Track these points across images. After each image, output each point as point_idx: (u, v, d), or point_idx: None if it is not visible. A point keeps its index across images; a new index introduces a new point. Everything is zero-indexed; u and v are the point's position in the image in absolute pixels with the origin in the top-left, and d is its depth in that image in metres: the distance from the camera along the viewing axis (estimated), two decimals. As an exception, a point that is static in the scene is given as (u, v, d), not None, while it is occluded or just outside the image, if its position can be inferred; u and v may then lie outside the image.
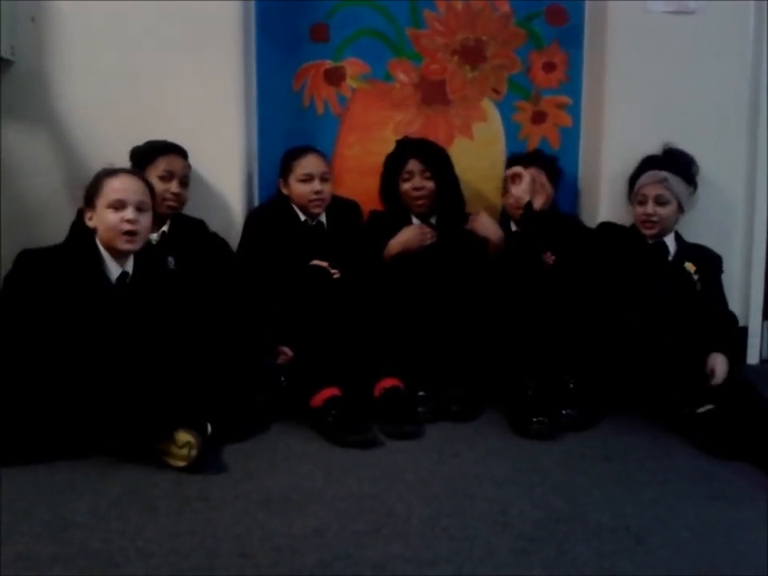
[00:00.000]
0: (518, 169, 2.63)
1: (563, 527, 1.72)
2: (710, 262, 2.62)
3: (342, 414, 2.23)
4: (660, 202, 2.54)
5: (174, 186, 2.53)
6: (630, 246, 2.60)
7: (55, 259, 2.13)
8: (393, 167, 2.82)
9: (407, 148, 2.82)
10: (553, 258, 2.63)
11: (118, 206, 2.13)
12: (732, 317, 2.58)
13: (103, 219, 2.13)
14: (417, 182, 2.76)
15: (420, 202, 2.77)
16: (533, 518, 1.76)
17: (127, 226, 2.13)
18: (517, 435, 2.28)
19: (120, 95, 2.75)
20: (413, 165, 2.77)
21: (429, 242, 2.73)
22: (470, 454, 2.15)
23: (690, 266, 2.54)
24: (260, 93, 2.97)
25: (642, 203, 2.57)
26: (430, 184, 2.76)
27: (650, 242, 2.60)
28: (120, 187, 2.15)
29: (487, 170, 3.07)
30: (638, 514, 1.79)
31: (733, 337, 2.52)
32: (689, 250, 2.63)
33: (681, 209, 2.58)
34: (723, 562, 1.59)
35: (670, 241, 2.62)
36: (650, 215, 2.55)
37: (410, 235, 2.74)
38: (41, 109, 2.77)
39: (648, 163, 2.64)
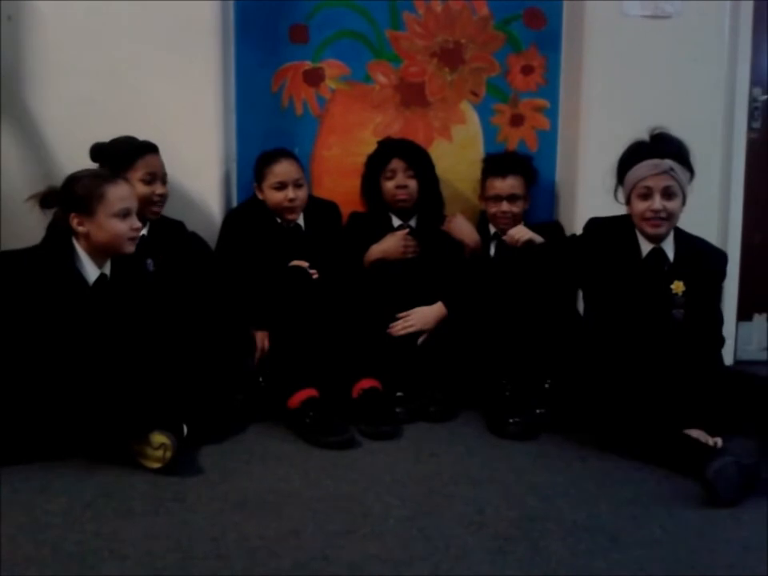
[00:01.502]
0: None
1: (539, 526, 1.73)
2: (710, 265, 2.35)
3: (320, 414, 2.23)
4: (668, 194, 2.21)
5: (159, 188, 2.50)
6: (620, 257, 2.31)
7: (32, 261, 2.11)
8: (375, 166, 2.82)
9: (390, 148, 2.83)
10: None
11: (126, 214, 2.13)
12: (714, 359, 2.33)
13: (108, 228, 2.11)
14: (400, 180, 2.76)
15: (403, 199, 2.78)
16: (508, 517, 1.77)
17: (135, 234, 2.15)
18: (494, 435, 2.29)
19: (97, 95, 2.72)
20: (396, 164, 2.77)
21: (410, 255, 2.74)
22: (447, 454, 2.16)
23: (678, 287, 2.26)
24: (239, 93, 2.95)
25: (646, 197, 2.23)
26: (413, 183, 2.77)
27: (645, 251, 2.30)
28: (125, 195, 2.15)
29: (466, 172, 3.07)
30: (613, 513, 1.81)
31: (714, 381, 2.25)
32: (688, 251, 2.32)
33: (684, 201, 2.27)
34: (697, 561, 1.61)
35: (669, 246, 2.31)
36: (658, 211, 2.21)
37: (391, 244, 2.75)
38: (17, 108, 2.74)
39: (641, 151, 2.28)
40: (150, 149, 2.52)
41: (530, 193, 2.89)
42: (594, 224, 2.42)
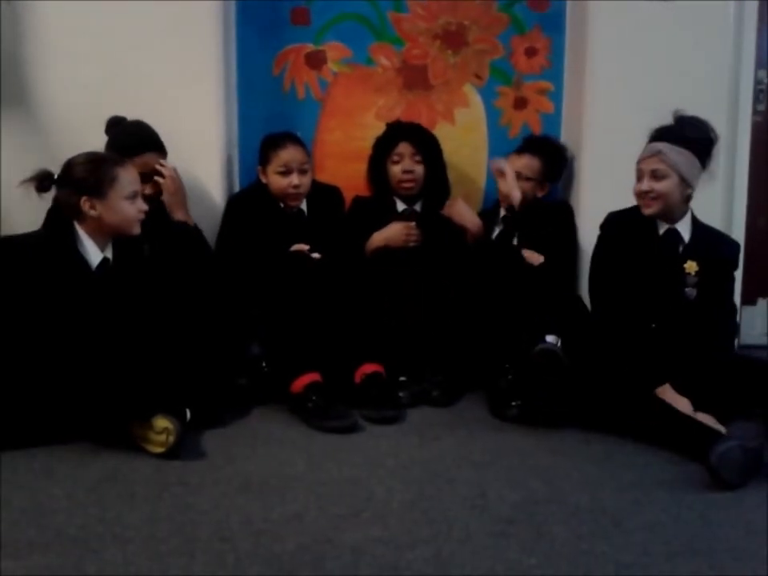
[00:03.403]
0: (500, 164, 2.64)
1: (541, 509, 1.73)
2: (723, 253, 2.40)
3: (323, 399, 2.23)
4: (656, 176, 2.29)
5: (147, 188, 2.46)
6: (639, 236, 2.38)
7: (35, 246, 2.10)
8: (382, 149, 2.80)
9: (398, 131, 2.81)
10: (540, 258, 2.58)
11: (134, 196, 2.15)
12: (723, 344, 2.35)
13: (119, 210, 2.11)
14: (407, 165, 2.75)
15: (408, 186, 2.76)
16: (511, 500, 1.78)
17: (142, 216, 2.17)
18: (496, 419, 2.29)
19: (98, 80, 2.70)
20: (403, 148, 2.75)
21: (412, 243, 2.73)
22: (450, 438, 2.16)
23: (691, 267, 2.32)
24: (240, 77, 2.93)
25: (639, 179, 2.34)
26: (419, 168, 2.76)
27: (661, 230, 2.36)
28: (134, 178, 2.17)
29: (469, 155, 3.06)
30: (616, 496, 1.81)
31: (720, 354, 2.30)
32: (703, 236, 2.38)
33: (685, 182, 2.31)
34: (699, 544, 1.61)
35: (684, 227, 2.37)
36: (644, 192, 2.31)
37: (394, 232, 2.73)
38: (15, 93, 2.73)
39: (652, 135, 2.37)
40: (155, 148, 2.54)
41: (550, 184, 2.85)
42: (611, 218, 2.48)
